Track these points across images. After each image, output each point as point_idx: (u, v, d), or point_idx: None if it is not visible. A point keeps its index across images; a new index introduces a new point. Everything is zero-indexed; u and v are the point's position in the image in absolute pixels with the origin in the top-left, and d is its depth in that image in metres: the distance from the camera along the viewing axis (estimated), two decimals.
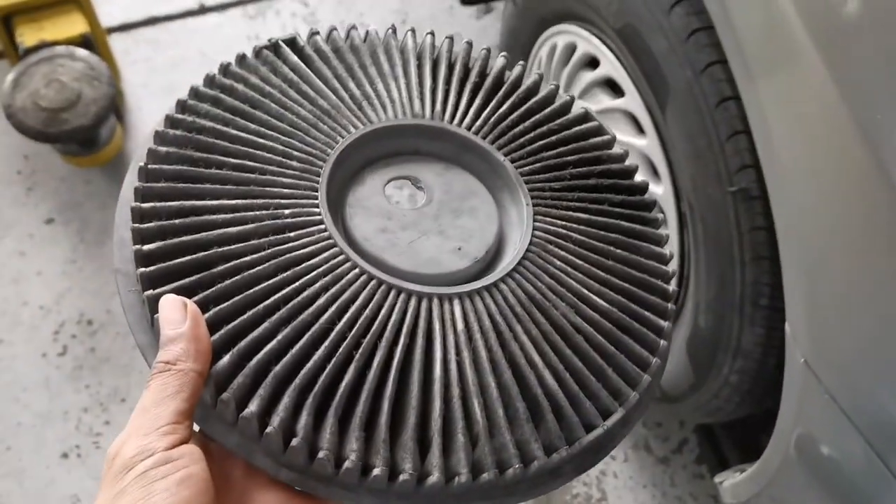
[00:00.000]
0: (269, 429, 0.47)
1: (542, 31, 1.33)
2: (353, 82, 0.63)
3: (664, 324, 0.58)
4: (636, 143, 1.13)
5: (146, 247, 0.52)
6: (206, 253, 0.51)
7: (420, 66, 0.66)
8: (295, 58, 0.63)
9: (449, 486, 0.48)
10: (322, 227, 0.54)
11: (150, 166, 0.55)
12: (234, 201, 0.54)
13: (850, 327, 0.79)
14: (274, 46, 0.64)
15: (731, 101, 0.92)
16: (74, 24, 1.63)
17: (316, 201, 0.55)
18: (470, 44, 0.69)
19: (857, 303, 0.77)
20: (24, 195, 1.72)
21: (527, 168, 0.62)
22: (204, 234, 0.52)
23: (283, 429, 0.47)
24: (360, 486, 0.48)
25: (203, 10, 1.96)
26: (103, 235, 1.68)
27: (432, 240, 0.58)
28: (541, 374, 0.52)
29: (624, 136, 1.15)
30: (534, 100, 0.66)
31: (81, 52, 1.57)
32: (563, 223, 0.60)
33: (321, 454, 0.47)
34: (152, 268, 0.51)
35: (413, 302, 0.53)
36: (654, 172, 1.12)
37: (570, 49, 1.26)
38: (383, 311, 0.52)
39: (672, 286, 0.60)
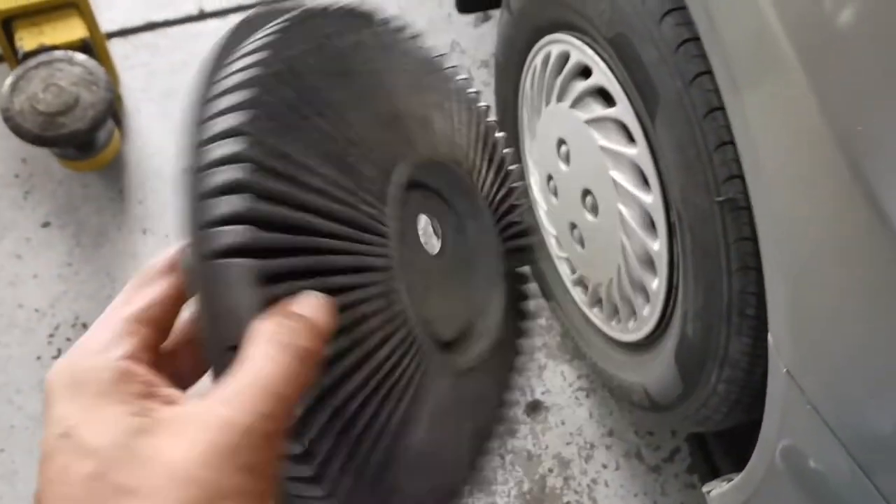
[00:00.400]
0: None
1: (536, 39, 1.34)
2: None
3: None
4: (627, 153, 1.14)
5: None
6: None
7: None
8: None
9: None
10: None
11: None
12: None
13: (832, 338, 0.80)
14: None
15: (720, 111, 0.92)
16: (74, 29, 1.64)
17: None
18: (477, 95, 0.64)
19: (839, 314, 0.78)
20: (22, 198, 1.73)
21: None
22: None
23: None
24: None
25: (203, 16, 1.98)
26: (100, 239, 1.69)
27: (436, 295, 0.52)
28: None
29: (615, 146, 1.16)
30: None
31: (80, 56, 1.58)
32: None
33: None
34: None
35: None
36: (645, 182, 1.13)
37: (564, 58, 1.27)
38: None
39: None
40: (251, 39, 0.46)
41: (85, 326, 1.59)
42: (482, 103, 0.61)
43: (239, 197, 0.39)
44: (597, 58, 1.17)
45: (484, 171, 0.59)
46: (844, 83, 0.72)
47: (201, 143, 0.40)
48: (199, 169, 0.40)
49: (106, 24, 1.87)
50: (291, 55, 0.45)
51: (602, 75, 1.16)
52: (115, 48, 1.88)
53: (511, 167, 0.61)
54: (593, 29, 1.14)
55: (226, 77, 0.43)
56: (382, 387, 0.43)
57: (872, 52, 0.71)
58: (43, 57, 1.56)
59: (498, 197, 0.59)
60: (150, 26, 1.95)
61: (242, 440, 0.34)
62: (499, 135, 0.62)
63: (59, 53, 1.57)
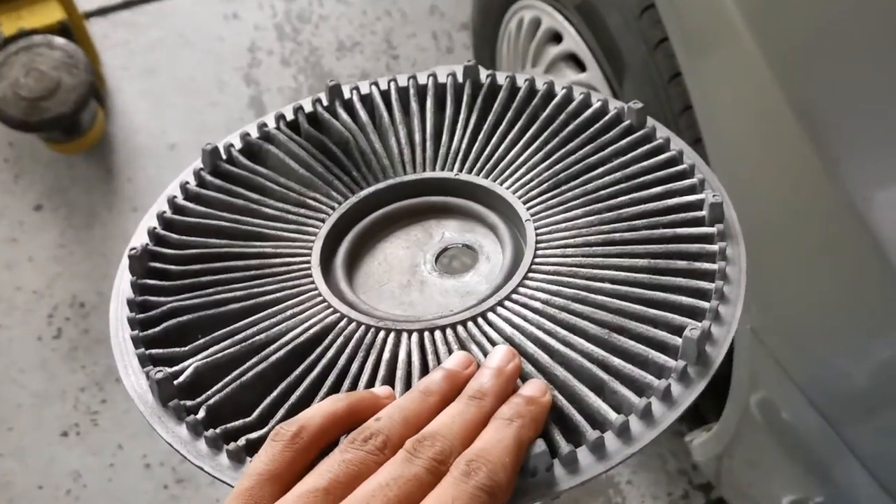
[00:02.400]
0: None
1: (509, 5, 1.35)
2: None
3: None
4: None
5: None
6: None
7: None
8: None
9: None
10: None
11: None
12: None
13: (791, 296, 0.83)
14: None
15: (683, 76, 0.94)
16: (52, 12, 1.65)
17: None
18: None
19: (795, 272, 0.81)
20: (12, 182, 1.76)
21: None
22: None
23: None
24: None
25: None
26: (91, 219, 1.72)
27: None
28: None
29: None
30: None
31: (59, 40, 1.59)
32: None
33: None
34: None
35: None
36: None
37: (536, 24, 1.28)
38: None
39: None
40: None
41: (82, 306, 1.63)
42: None
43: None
44: (566, 24, 1.18)
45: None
46: (793, 47, 0.74)
47: None
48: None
49: (84, 3, 1.87)
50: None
51: (572, 41, 1.18)
52: (95, 28, 1.89)
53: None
54: None
55: None
56: None
57: (818, 14, 0.73)
58: (22, 42, 1.57)
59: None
60: (128, 4, 1.96)
61: None
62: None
63: (38, 38, 1.58)
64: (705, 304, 0.48)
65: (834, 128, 0.73)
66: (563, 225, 0.54)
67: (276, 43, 1.93)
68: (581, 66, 1.19)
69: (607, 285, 0.50)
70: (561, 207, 0.55)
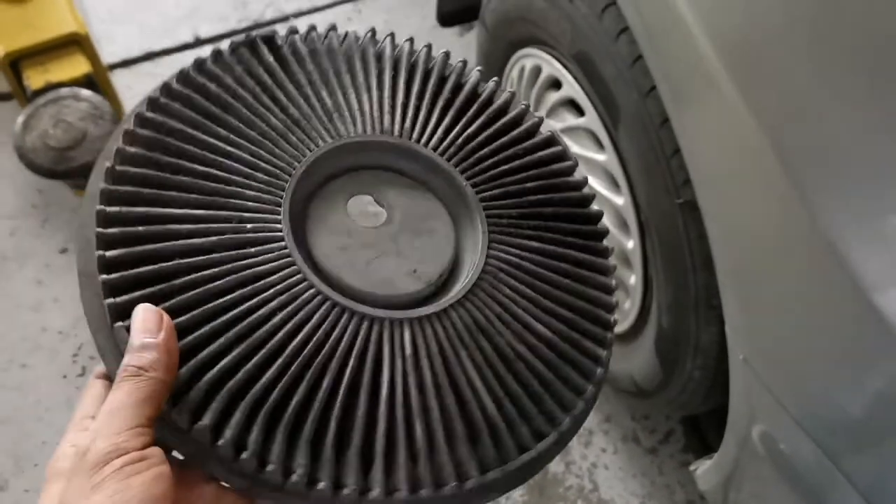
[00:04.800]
0: (220, 441, 0.50)
1: (511, 54, 1.42)
2: (325, 90, 0.64)
3: (602, 352, 0.61)
4: (598, 159, 1.21)
5: (109, 253, 0.53)
6: (168, 264, 0.53)
7: (395, 77, 0.66)
8: (270, 58, 0.63)
9: (388, 499, 0.52)
10: (283, 244, 0.56)
11: (117, 167, 0.56)
12: (199, 212, 0.55)
13: (779, 327, 0.87)
14: (251, 44, 0.64)
15: None
16: (78, 65, 1.73)
17: (279, 216, 0.57)
18: (447, 54, 0.70)
19: (782, 305, 0.85)
20: (40, 227, 1.83)
21: (487, 193, 0.64)
22: (167, 244, 0.54)
23: (234, 441, 0.50)
24: (307, 495, 0.52)
25: (199, 43, 2.06)
26: None
27: (389, 260, 0.60)
28: (481, 398, 0.55)
29: (587, 152, 1.23)
30: (502, 120, 0.67)
31: (85, 92, 1.67)
32: (517, 251, 0.62)
33: (270, 467, 0.51)
34: (115, 275, 0.52)
35: (365, 325, 0.55)
36: (616, 185, 1.20)
37: (537, 71, 1.34)
38: (335, 334, 0.54)
39: (614, 316, 0.64)
40: None
41: None
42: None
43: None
44: (565, 72, 1.24)
45: (430, 126, 0.65)
46: (773, 95, 0.79)
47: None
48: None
49: (108, 56, 1.96)
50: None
51: (571, 88, 1.24)
52: (118, 79, 1.97)
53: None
54: (559, 45, 1.22)
55: None
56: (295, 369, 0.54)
57: (799, 63, 0.78)
58: (50, 95, 1.65)
59: (454, 141, 0.65)
60: (150, 56, 2.04)
61: None
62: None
63: (65, 91, 1.66)
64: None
65: (812, 169, 0.78)
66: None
67: None
68: (580, 111, 1.25)
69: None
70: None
